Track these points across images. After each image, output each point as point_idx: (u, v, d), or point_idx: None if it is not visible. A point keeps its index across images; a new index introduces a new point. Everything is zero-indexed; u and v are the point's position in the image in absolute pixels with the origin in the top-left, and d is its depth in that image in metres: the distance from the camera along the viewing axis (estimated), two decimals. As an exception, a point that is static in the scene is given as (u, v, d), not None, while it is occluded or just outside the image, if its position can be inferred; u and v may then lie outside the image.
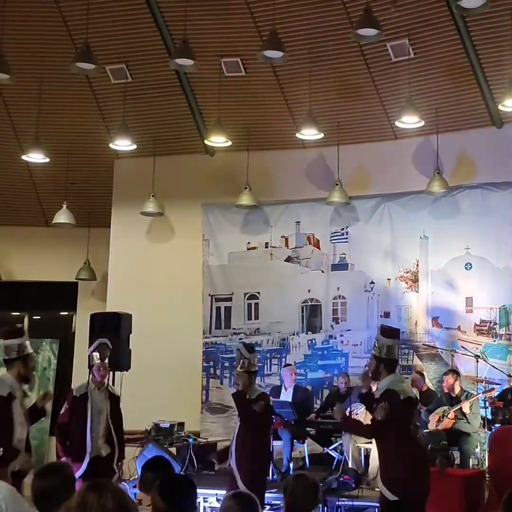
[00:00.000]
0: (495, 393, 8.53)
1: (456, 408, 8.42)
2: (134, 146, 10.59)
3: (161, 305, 11.25)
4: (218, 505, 7.49)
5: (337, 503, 7.21)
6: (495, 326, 9.96)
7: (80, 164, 11.84)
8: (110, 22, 10.03)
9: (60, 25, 10.16)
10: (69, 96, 11.05)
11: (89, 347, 7.85)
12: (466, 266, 10.26)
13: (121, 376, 9.43)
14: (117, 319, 10.10)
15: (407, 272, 10.57)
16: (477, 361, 8.95)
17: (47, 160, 10.83)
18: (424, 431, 8.55)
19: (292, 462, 9.17)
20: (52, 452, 12.09)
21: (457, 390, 8.71)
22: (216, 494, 7.78)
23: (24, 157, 10.91)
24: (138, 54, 10.49)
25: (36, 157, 10.82)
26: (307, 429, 9.39)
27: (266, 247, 11.43)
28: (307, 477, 4.05)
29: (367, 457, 8.57)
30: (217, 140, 10.41)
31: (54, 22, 10.14)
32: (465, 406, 8.39)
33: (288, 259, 11.37)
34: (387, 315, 10.64)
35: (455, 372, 8.90)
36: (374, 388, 5.86)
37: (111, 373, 8.83)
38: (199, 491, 7.53)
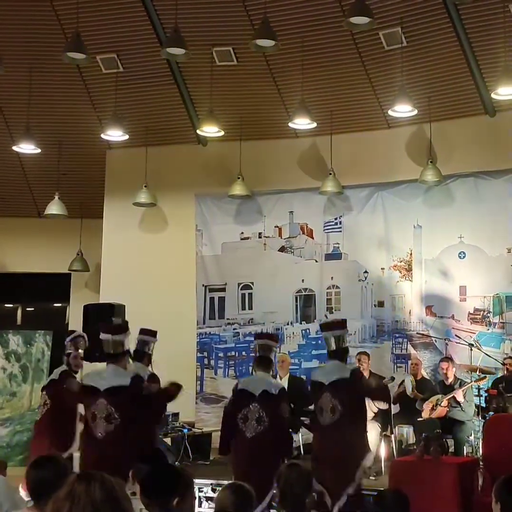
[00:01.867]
0: (486, 382, 8.53)
1: (449, 396, 8.43)
2: (126, 137, 10.54)
3: (155, 296, 11.22)
4: (213, 494, 7.50)
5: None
6: (488, 315, 9.98)
7: (72, 155, 11.79)
8: (100, 12, 9.96)
9: (51, 15, 10.09)
10: (60, 86, 10.99)
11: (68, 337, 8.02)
12: (460, 255, 10.27)
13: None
14: (111, 310, 10.09)
15: (400, 261, 10.58)
16: (471, 350, 8.95)
17: (38, 150, 10.77)
18: (418, 419, 8.57)
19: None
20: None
21: (451, 377, 8.73)
22: (211, 484, 7.78)
23: (15, 148, 10.86)
24: (129, 44, 10.43)
25: (27, 148, 10.76)
26: (302, 418, 9.38)
27: (260, 237, 11.42)
28: (301, 466, 4.05)
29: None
30: (210, 130, 10.37)
31: (44, 12, 10.07)
32: (459, 395, 8.40)
33: (282, 249, 11.36)
34: (381, 304, 10.66)
35: (449, 359, 8.91)
36: None
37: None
38: (194, 481, 7.56)
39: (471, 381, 8.49)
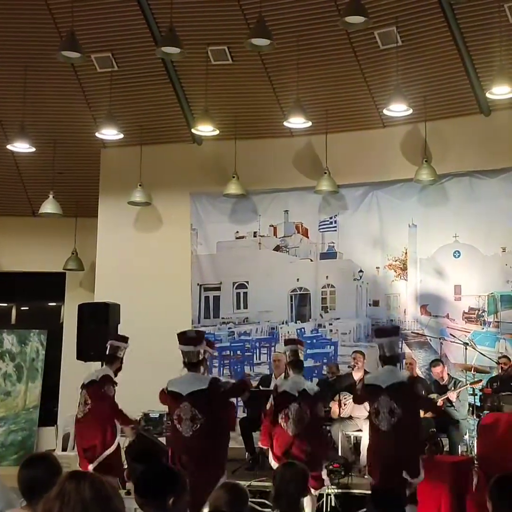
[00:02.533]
0: (481, 385, 8.53)
1: (444, 397, 8.44)
2: (121, 135, 10.51)
3: (150, 295, 11.21)
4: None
5: (326, 491, 7.21)
6: (483, 314, 9.99)
7: (66, 154, 11.76)
8: (95, 10, 9.94)
9: (45, 13, 10.06)
10: (54, 85, 10.97)
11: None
12: (455, 254, 10.29)
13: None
14: (105, 309, 10.07)
15: (395, 260, 10.59)
16: (466, 349, 8.96)
17: (33, 149, 10.75)
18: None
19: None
20: (41, 443, 12.09)
21: (445, 378, 8.75)
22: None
23: (9, 147, 10.83)
24: (124, 43, 10.41)
25: (21, 146, 10.73)
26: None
27: (255, 236, 11.42)
28: (296, 465, 4.06)
29: (357, 445, 8.59)
30: (205, 129, 10.35)
31: (39, 10, 10.04)
32: (452, 396, 8.41)
33: (277, 248, 11.36)
34: (376, 303, 10.67)
35: (440, 361, 8.93)
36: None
37: (99, 363, 8.83)
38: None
39: (467, 383, 8.49)
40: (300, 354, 7.27)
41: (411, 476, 5.98)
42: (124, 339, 8.10)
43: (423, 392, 7.77)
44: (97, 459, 7.37)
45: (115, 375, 7.87)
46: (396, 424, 6.15)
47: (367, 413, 8.45)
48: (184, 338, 6.78)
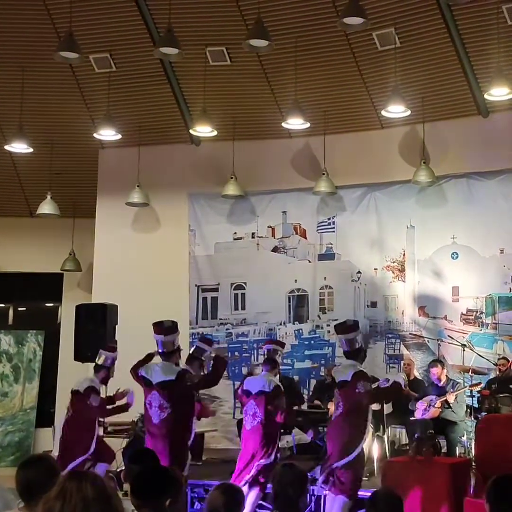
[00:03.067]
0: (480, 387, 8.52)
1: (442, 399, 8.44)
2: (119, 136, 10.51)
3: (147, 296, 11.19)
4: (205, 495, 7.48)
5: (324, 492, 7.20)
6: (481, 315, 9.99)
7: (64, 154, 11.75)
8: (93, 11, 9.93)
9: (43, 14, 10.05)
10: (52, 86, 10.95)
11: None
12: (453, 255, 10.29)
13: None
14: (103, 310, 10.07)
15: (393, 262, 10.59)
16: (464, 350, 8.96)
17: (31, 150, 10.74)
18: (411, 418, 8.58)
19: (279, 453, 9.16)
20: (38, 444, 12.06)
21: (443, 379, 8.73)
22: (203, 484, 7.77)
23: (7, 147, 10.82)
24: (122, 43, 10.40)
25: (19, 147, 10.72)
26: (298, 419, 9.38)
27: (253, 237, 11.40)
28: (295, 467, 4.05)
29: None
30: (203, 130, 10.35)
31: (37, 11, 10.03)
32: (450, 397, 8.40)
33: (275, 249, 11.35)
34: (374, 304, 10.66)
35: (439, 362, 8.92)
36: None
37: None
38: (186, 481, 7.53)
39: (465, 386, 8.48)
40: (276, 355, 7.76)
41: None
42: (111, 349, 8.32)
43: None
44: (72, 463, 7.55)
45: (104, 383, 8.24)
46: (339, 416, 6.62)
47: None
48: (158, 327, 7.02)
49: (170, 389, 6.82)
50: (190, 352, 7.79)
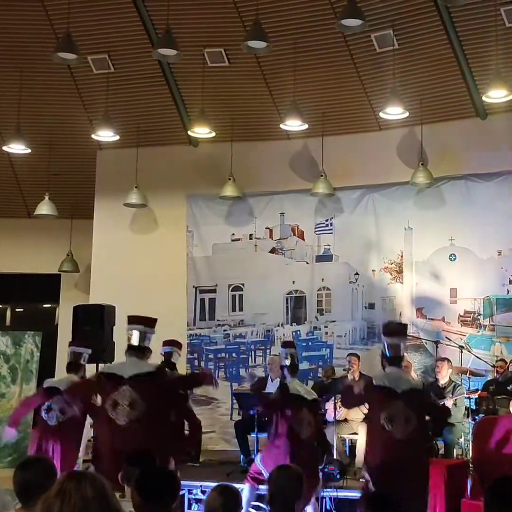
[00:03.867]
0: (476, 395, 8.49)
1: (441, 402, 8.42)
2: (117, 137, 10.51)
3: (145, 297, 11.17)
4: (203, 497, 7.48)
5: (321, 493, 7.20)
6: (479, 317, 10.00)
7: (62, 155, 11.74)
8: (92, 12, 9.92)
9: (42, 15, 10.05)
10: (50, 87, 10.95)
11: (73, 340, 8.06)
12: (451, 257, 10.29)
13: (104, 369, 9.36)
14: (101, 311, 10.05)
15: (391, 263, 10.59)
16: (461, 352, 8.96)
17: (29, 151, 10.73)
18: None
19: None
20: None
21: (444, 379, 8.67)
22: (201, 486, 7.76)
23: (5, 148, 10.81)
24: (121, 44, 10.40)
25: (17, 148, 10.72)
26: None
27: (251, 238, 11.40)
28: (292, 468, 4.04)
29: (352, 447, 8.58)
30: (201, 131, 10.35)
31: (35, 11, 10.03)
32: (449, 403, 8.38)
33: (273, 251, 11.35)
34: (372, 306, 10.66)
35: (446, 359, 8.84)
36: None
37: (94, 365, 8.80)
38: (183, 483, 7.55)
39: (464, 392, 8.46)
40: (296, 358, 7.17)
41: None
42: (86, 345, 7.85)
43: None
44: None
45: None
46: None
47: (363, 416, 8.50)
48: (132, 318, 6.41)
49: (147, 383, 6.07)
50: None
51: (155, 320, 6.44)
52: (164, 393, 6.14)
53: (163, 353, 8.49)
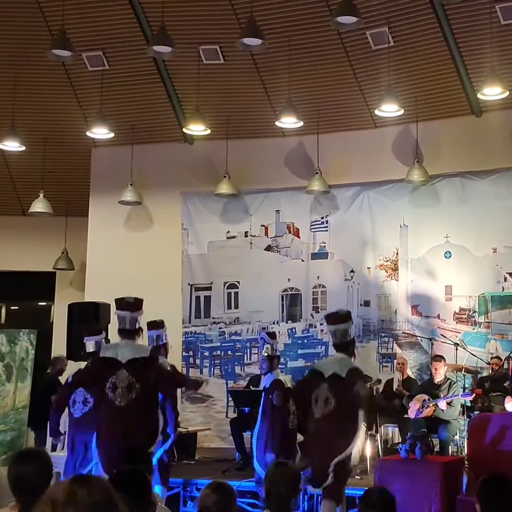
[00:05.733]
0: (471, 398, 8.49)
1: (432, 404, 8.43)
2: (112, 135, 10.48)
3: (140, 295, 10.99)
4: (198, 494, 7.47)
5: (316, 491, 7.19)
6: (474, 314, 10.01)
7: (57, 153, 11.71)
8: (86, 9, 9.89)
9: (36, 11, 10.02)
10: (45, 84, 10.92)
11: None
12: (446, 255, 10.30)
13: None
14: (96, 309, 10.04)
15: (387, 261, 10.59)
16: (457, 349, 8.97)
17: (23, 148, 10.70)
18: (404, 416, 8.58)
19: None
20: (30, 444, 12.00)
21: (440, 377, 8.68)
22: (196, 483, 7.76)
23: (-1, 146, 10.78)
24: (115, 41, 10.38)
25: (11, 145, 10.68)
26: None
27: (246, 236, 11.39)
28: (288, 466, 4.04)
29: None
30: (196, 128, 10.34)
31: (30, 9, 9.99)
32: (442, 405, 8.38)
33: (268, 248, 11.34)
34: (367, 303, 10.67)
35: (441, 357, 8.85)
36: None
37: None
38: (179, 480, 7.55)
39: (457, 395, 8.46)
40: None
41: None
42: (95, 332, 8.02)
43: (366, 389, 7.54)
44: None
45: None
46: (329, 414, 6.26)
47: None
48: (121, 303, 6.71)
49: (142, 366, 6.41)
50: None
51: (141, 301, 6.83)
52: (155, 377, 6.44)
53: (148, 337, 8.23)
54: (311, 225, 11.09)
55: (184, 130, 10.76)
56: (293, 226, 11.22)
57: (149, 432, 6.17)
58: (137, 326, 6.61)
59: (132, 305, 6.67)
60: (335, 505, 6.08)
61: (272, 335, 7.85)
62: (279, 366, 10.27)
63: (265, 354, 7.51)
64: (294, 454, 7.15)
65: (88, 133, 10.57)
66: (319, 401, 6.26)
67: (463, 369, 8.75)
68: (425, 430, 8.05)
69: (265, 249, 11.34)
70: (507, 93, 8.84)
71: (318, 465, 6.13)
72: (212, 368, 11.28)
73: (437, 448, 8.21)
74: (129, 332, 6.54)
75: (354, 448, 6.59)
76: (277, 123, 10.14)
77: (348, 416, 6.24)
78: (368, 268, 10.70)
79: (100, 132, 10.49)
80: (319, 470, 6.09)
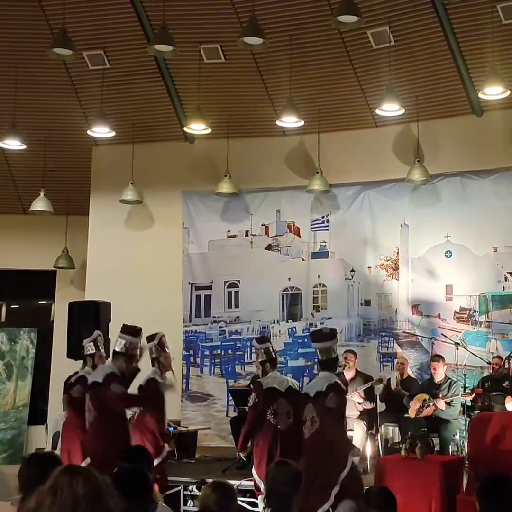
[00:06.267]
0: (471, 398, 8.49)
1: (434, 402, 8.43)
2: (113, 133, 10.49)
3: (141, 294, 11.17)
4: (198, 493, 7.47)
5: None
6: (474, 314, 10.01)
7: (58, 151, 11.71)
8: (87, 7, 9.89)
9: (37, 10, 10.01)
10: (46, 83, 10.92)
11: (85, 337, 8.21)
12: (446, 254, 10.30)
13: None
14: (96, 307, 10.05)
15: (387, 260, 10.59)
16: (457, 349, 8.96)
17: (24, 147, 10.70)
18: (404, 415, 8.58)
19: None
20: (30, 442, 12.03)
21: (440, 376, 8.68)
22: (197, 482, 7.76)
23: (0, 144, 10.77)
24: (116, 40, 10.37)
25: (12, 144, 10.69)
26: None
27: (246, 235, 11.39)
28: (289, 464, 4.04)
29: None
30: (197, 127, 10.34)
31: (31, 7, 9.99)
32: (441, 404, 8.37)
33: (269, 247, 11.34)
34: (367, 303, 10.67)
35: (440, 357, 8.85)
36: None
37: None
38: (179, 479, 7.55)
39: (456, 395, 8.46)
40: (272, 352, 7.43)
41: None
42: (132, 332, 7.68)
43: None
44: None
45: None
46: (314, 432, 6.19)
47: (358, 413, 8.53)
48: (129, 328, 7.05)
49: (96, 392, 6.65)
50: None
51: (139, 330, 7.07)
52: (109, 403, 6.63)
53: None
54: (311, 224, 11.09)
55: (184, 129, 10.75)
56: (293, 225, 11.22)
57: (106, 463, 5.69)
58: (128, 352, 6.93)
59: (126, 331, 7.02)
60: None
61: (261, 340, 7.66)
62: (280, 365, 10.33)
63: (259, 361, 7.44)
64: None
65: (89, 132, 10.58)
66: (307, 422, 6.27)
67: (464, 369, 8.72)
68: (425, 429, 8.05)
69: (265, 248, 11.34)
70: (508, 92, 8.84)
71: (319, 486, 5.90)
72: (212, 367, 11.28)
73: (437, 448, 8.22)
74: (114, 354, 6.96)
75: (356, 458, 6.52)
76: (278, 122, 10.14)
77: (334, 431, 6.16)
78: (368, 267, 10.70)
79: (101, 131, 10.49)
80: (320, 492, 5.87)
